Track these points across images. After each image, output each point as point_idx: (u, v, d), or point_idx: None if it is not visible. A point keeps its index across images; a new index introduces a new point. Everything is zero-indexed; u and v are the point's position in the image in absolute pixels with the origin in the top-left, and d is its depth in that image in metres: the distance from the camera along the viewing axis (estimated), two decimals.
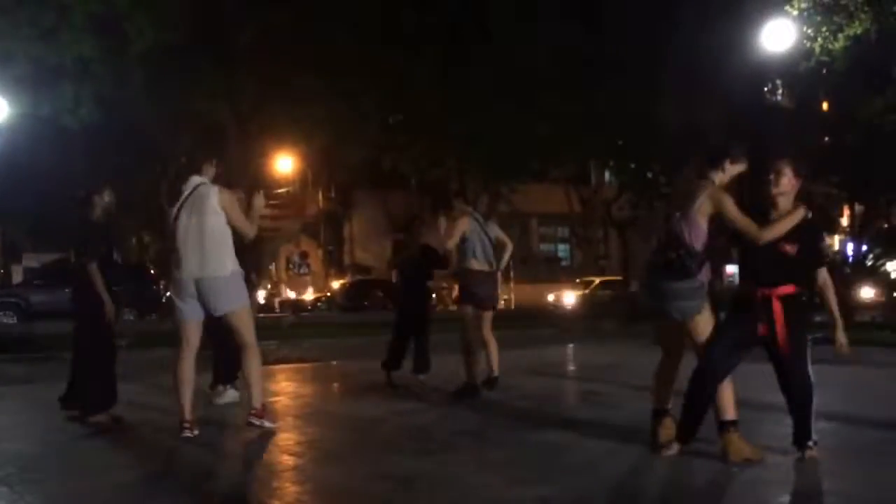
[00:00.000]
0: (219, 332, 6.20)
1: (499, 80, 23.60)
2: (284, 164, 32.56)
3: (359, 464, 4.91)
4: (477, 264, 7.47)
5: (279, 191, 34.51)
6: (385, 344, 8.49)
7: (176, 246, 5.71)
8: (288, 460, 5.12)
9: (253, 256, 8.29)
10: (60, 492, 4.42)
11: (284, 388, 7.33)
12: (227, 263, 5.69)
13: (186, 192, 5.74)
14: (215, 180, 5.87)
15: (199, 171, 5.85)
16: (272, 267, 35.99)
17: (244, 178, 18.09)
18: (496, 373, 7.66)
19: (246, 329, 5.76)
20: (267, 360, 7.50)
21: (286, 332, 15.56)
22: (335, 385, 8.84)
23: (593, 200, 33.02)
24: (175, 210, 5.76)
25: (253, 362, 5.79)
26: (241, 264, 5.88)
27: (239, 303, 5.77)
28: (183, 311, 5.71)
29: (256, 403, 5.82)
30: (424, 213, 31.94)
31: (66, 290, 6.83)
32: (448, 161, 28.37)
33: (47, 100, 16.27)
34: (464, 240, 7.50)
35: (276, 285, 34.73)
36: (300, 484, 4.56)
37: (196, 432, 5.63)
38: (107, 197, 6.53)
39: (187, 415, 5.66)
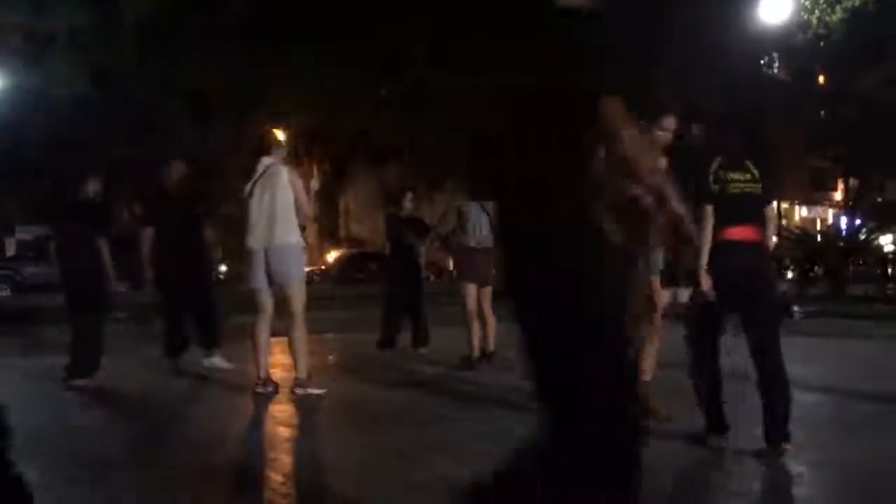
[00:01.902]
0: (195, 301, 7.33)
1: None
2: (278, 136, 32.41)
3: (354, 435, 4.92)
4: (472, 241, 7.54)
5: None
6: (379, 319, 8.46)
7: (250, 219, 6.10)
8: (283, 432, 5.12)
9: None
10: (60, 463, 4.42)
11: (279, 360, 7.34)
12: (293, 234, 6.09)
13: (259, 171, 6.18)
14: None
15: (268, 153, 6.31)
16: None
17: (238, 151, 18.05)
18: (492, 348, 7.71)
19: (298, 300, 6.07)
20: None
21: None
22: (330, 357, 8.84)
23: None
24: (249, 186, 6.19)
25: (299, 332, 6.09)
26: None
27: (299, 274, 6.17)
28: (256, 279, 6.11)
29: (301, 373, 6.10)
30: (419, 187, 31.88)
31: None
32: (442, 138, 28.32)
33: (40, 71, 16.12)
34: (462, 217, 7.59)
35: None
36: (296, 455, 4.57)
37: (269, 388, 6.10)
38: (91, 185, 7.03)
39: (262, 373, 6.12)
